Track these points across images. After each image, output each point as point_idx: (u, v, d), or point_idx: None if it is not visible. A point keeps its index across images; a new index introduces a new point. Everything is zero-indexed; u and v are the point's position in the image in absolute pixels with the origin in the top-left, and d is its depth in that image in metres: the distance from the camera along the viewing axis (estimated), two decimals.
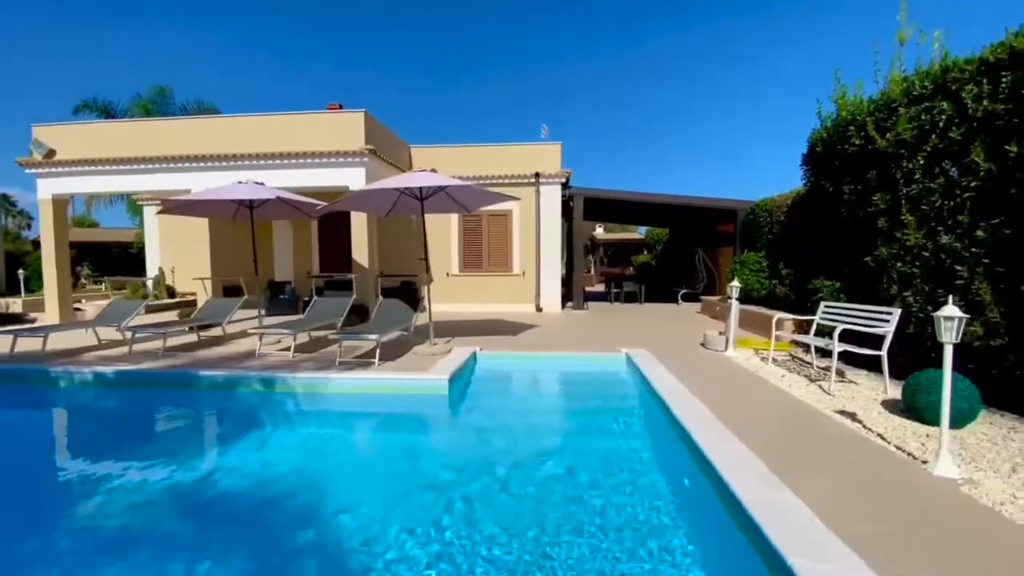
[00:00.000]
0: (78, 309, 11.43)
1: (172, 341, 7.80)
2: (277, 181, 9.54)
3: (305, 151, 9.60)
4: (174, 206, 7.77)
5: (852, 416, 4.19)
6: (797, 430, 3.84)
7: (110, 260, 27.81)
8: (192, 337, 8.22)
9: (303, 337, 7.94)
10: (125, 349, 7.00)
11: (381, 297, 8.01)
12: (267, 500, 3.27)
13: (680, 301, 14.79)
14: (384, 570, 2.40)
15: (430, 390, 5.26)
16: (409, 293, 12.01)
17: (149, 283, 14.35)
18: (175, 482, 3.52)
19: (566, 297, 13.48)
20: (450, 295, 12.62)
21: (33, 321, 10.69)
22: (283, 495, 3.33)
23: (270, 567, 2.54)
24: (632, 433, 4.50)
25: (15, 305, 11.91)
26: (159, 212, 7.93)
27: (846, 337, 5.21)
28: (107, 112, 18.69)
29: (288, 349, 6.90)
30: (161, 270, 14.82)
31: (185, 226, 14.92)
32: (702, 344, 7.55)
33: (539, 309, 12.40)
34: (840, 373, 5.70)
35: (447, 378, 5.25)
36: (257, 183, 8.08)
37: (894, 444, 3.54)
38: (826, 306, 6.02)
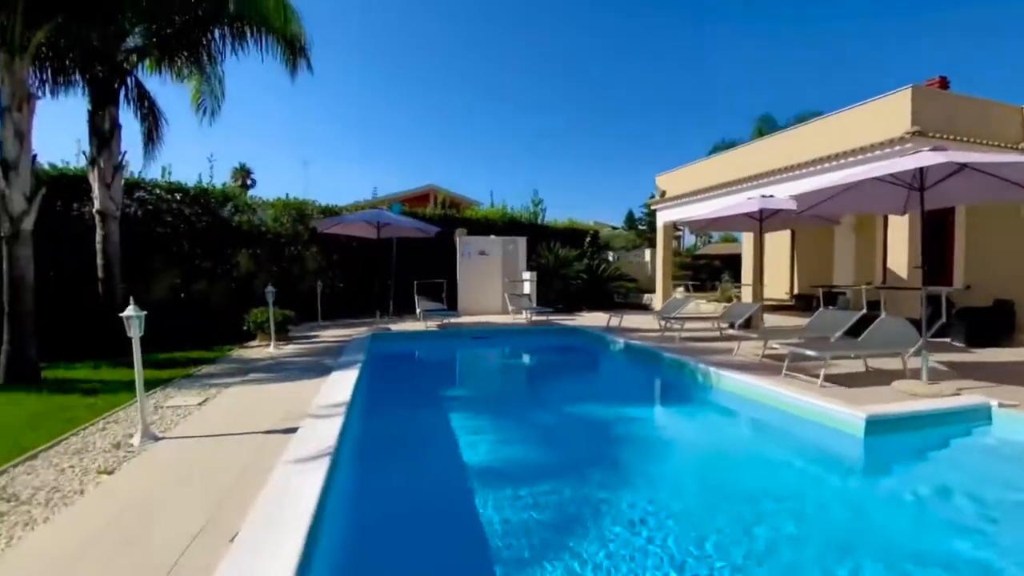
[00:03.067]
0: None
1: (704, 332, 9.65)
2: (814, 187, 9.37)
3: (835, 153, 8.91)
4: (699, 225, 9.60)
5: None
6: None
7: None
8: (715, 332, 9.79)
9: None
10: (672, 333, 9.58)
11: (884, 313, 6.49)
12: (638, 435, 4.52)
13: None
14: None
15: (836, 424, 4.38)
16: (1001, 316, 8.33)
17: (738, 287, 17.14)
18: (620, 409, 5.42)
19: None
20: None
21: (648, 307, 15.72)
22: (636, 439, 4.46)
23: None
24: None
25: (646, 298, 17.72)
26: (692, 231, 9.99)
27: None
28: (733, 146, 23.07)
29: (758, 353, 7.19)
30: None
31: (770, 240, 16.64)
32: None
33: None
34: None
35: (863, 417, 4.18)
36: (765, 196, 8.61)
37: None
38: None
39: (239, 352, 7.83)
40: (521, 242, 14.60)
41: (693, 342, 8.71)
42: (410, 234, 10.84)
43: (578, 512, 3.20)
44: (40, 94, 7.44)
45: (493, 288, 14.08)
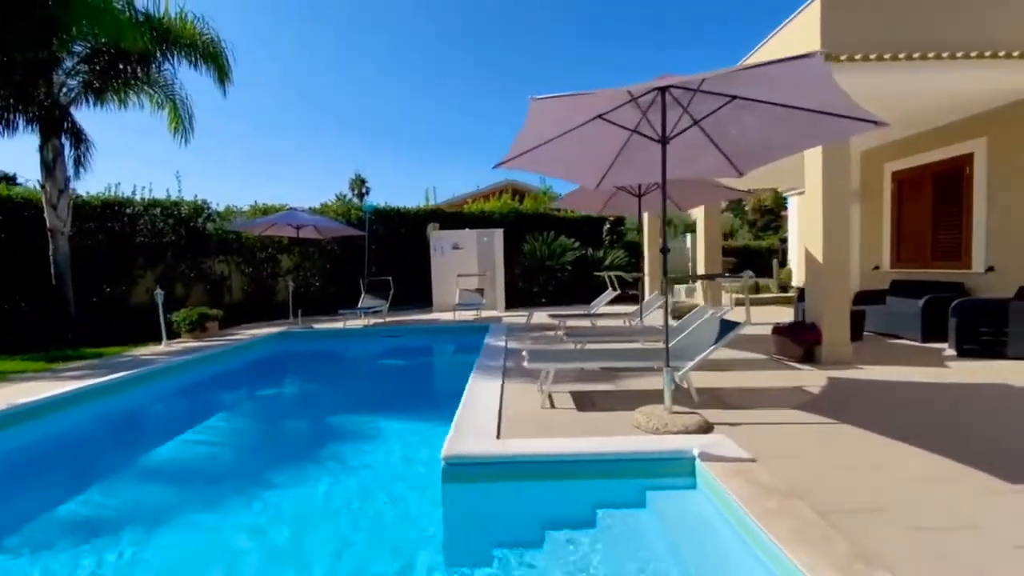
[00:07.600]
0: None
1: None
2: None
3: None
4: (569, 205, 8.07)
5: None
6: None
7: None
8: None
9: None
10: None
11: (704, 311, 4.74)
12: None
13: None
14: None
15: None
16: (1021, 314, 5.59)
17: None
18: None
19: None
20: None
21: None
22: None
23: None
24: None
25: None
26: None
27: None
28: None
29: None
30: (777, 264, 14.25)
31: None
32: None
33: None
34: None
35: (442, 456, 3.14)
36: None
37: None
38: None
39: (139, 350, 8.70)
40: (497, 234, 13.88)
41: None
42: (336, 233, 11.04)
43: None
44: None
45: (466, 283, 13.66)
